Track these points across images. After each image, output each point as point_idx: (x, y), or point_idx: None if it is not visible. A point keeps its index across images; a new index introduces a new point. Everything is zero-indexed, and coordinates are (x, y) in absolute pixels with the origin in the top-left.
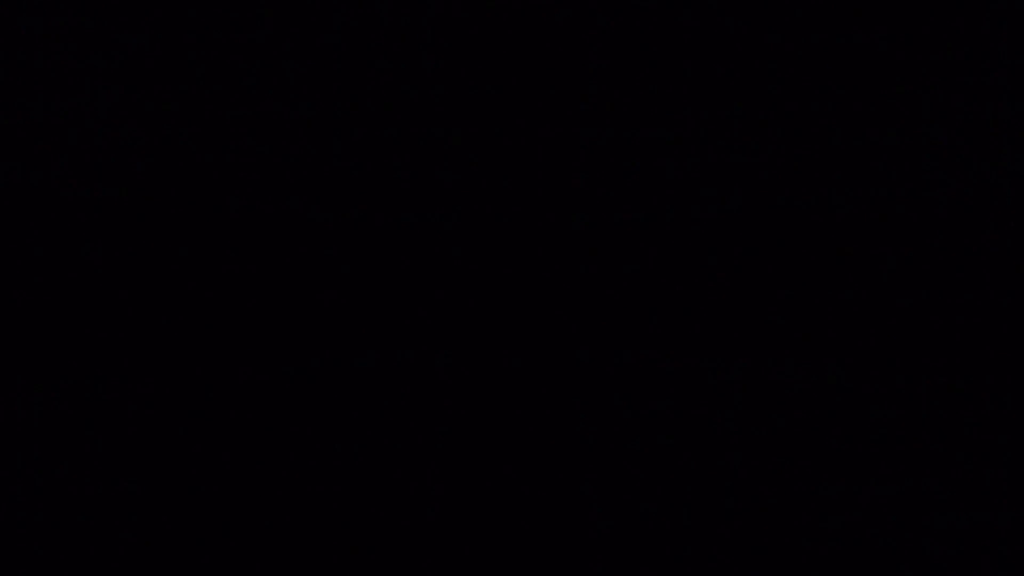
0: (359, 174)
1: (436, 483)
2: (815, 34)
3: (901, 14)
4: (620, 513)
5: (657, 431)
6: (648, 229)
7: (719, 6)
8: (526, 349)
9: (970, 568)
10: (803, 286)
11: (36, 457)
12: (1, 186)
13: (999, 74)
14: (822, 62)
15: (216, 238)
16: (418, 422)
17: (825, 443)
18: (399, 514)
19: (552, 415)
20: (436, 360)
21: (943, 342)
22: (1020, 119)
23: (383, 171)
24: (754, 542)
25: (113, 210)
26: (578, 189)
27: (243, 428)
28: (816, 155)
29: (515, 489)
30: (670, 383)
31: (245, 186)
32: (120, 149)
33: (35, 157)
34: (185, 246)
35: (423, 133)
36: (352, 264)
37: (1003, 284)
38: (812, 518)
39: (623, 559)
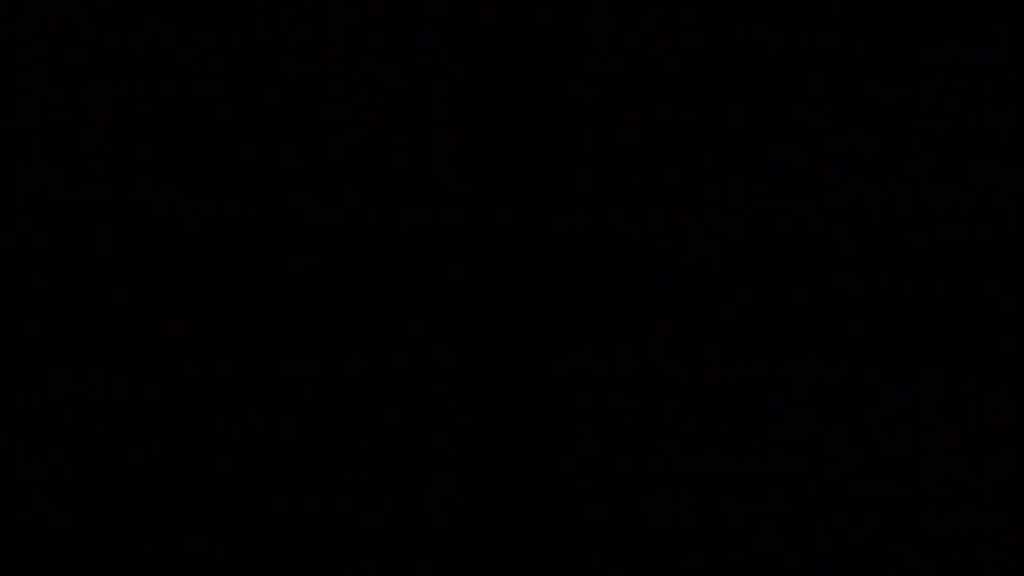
0: (359, 174)
1: (436, 484)
2: (815, 34)
3: (901, 14)
4: (620, 513)
5: (657, 432)
6: (648, 229)
7: (719, 6)
8: (526, 350)
9: (970, 568)
10: (803, 287)
11: (36, 457)
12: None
13: (999, 74)
14: (822, 62)
15: (216, 238)
16: (417, 422)
17: (825, 443)
18: (399, 514)
19: (551, 416)
20: (436, 360)
21: (944, 343)
22: (1020, 119)
23: (383, 171)
24: (754, 542)
25: (113, 210)
26: (578, 189)
27: (243, 429)
28: (817, 156)
29: (515, 489)
30: (670, 384)
31: (245, 186)
32: (120, 149)
33: (35, 157)
34: (184, 246)
35: (422, 133)
36: (351, 264)
37: (1003, 284)
38: (812, 518)
39: (623, 559)
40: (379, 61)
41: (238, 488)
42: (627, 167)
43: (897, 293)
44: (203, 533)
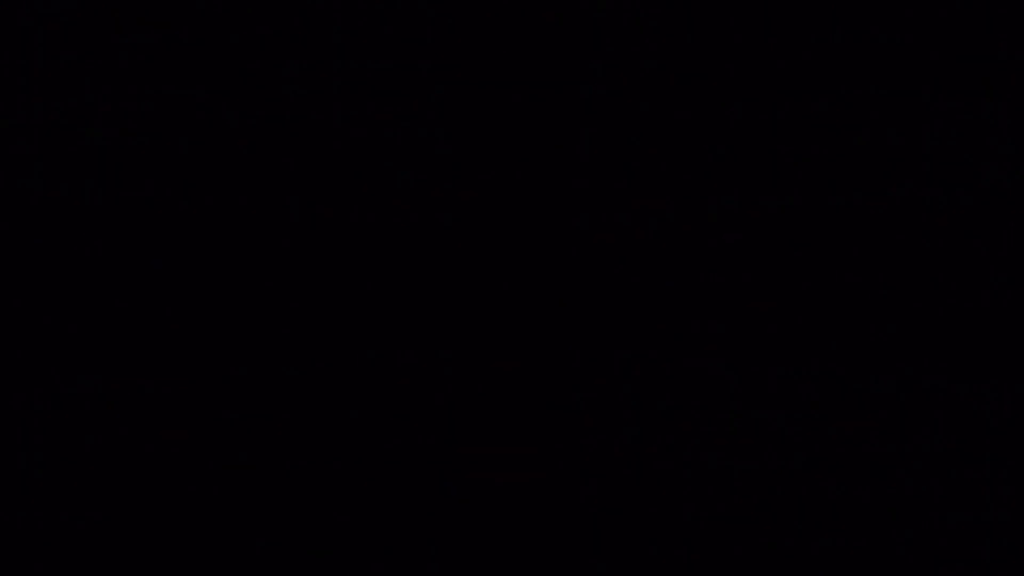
0: (358, 174)
1: (435, 484)
2: (815, 34)
3: (901, 14)
4: (620, 514)
5: (657, 431)
6: (648, 229)
7: (719, 6)
8: (525, 350)
9: (970, 568)
10: (803, 286)
11: (36, 457)
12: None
13: (999, 74)
14: (821, 62)
15: (216, 238)
16: (417, 423)
17: (825, 443)
18: (398, 515)
19: (551, 415)
20: (435, 360)
21: (943, 343)
22: (1020, 119)
23: (382, 171)
24: (754, 542)
25: (112, 210)
26: (578, 189)
27: (242, 429)
28: (817, 155)
29: (514, 490)
30: (670, 384)
31: (245, 186)
32: (119, 149)
33: (35, 157)
34: (184, 246)
35: (422, 133)
36: (351, 264)
37: (1003, 284)
38: (812, 518)
39: (623, 559)
40: (379, 61)
41: (238, 488)
42: (627, 167)
43: (896, 293)
44: (203, 533)
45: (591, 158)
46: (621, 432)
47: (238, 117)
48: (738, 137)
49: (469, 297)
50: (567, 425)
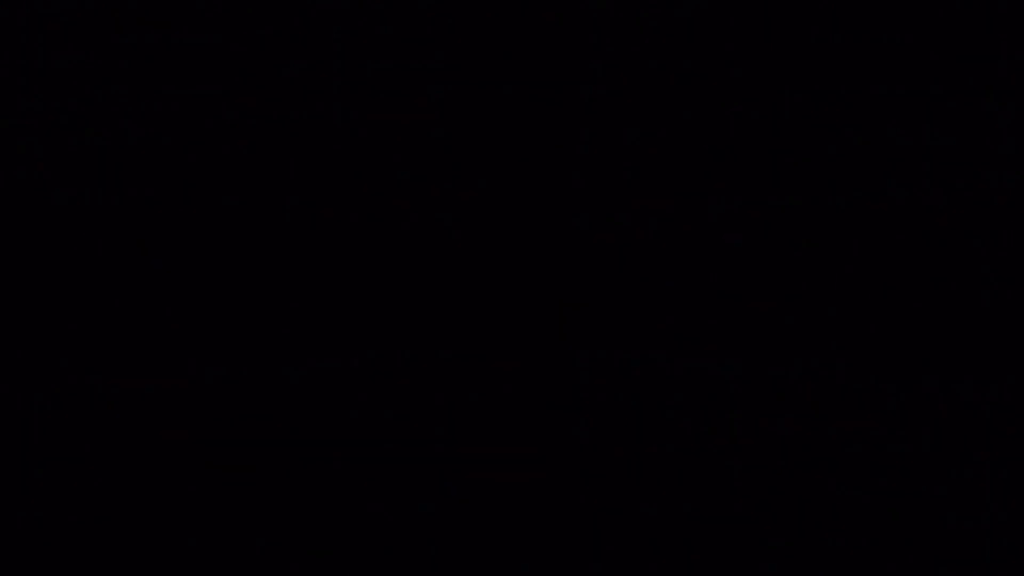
0: (358, 174)
1: (435, 484)
2: (814, 34)
3: (901, 14)
4: (620, 514)
5: (657, 431)
6: (648, 229)
7: (719, 6)
8: (526, 350)
9: (970, 568)
10: (803, 286)
11: (36, 457)
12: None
13: (999, 74)
14: (821, 62)
15: (216, 238)
16: (417, 423)
17: (825, 443)
18: (398, 515)
19: (552, 416)
20: (436, 360)
21: (943, 342)
22: (1020, 119)
23: (382, 171)
24: (754, 542)
25: (112, 210)
26: (578, 189)
27: (242, 429)
28: (817, 155)
29: (514, 490)
30: (670, 384)
31: (245, 186)
32: (119, 149)
33: (35, 157)
34: (184, 246)
35: (422, 133)
36: (351, 264)
37: (1003, 284)
38: (812, 518)
39: (623, 559)
40: (379, 61)
41: (238, 488)
42: (627, 167)
43: (896, 293)
44: (203, 533)
45: (591, 158)
46: (621, 432)
47: (238, 117)
48: (739, 137)
49: (469, 297)
50: (567, 425)
